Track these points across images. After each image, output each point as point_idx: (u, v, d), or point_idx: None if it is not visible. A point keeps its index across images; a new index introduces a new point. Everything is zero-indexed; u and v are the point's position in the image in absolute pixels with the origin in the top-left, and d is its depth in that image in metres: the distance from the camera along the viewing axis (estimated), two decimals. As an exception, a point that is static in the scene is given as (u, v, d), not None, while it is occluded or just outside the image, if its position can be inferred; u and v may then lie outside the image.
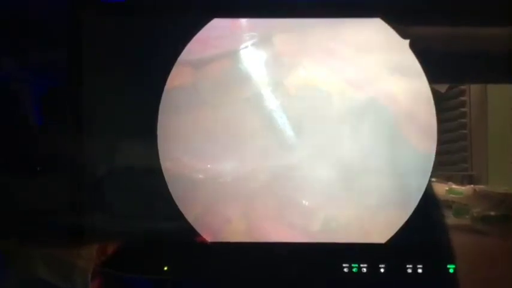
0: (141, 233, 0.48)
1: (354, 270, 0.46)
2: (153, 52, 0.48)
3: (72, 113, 0.48)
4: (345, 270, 0.46)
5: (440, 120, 0.46)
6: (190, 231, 0.46)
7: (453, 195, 0.48)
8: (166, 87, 0.47)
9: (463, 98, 0.50)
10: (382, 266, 0.46)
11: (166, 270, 0.47)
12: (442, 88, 0.48)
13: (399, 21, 0.46)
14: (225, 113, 0.47)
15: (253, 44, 0.48)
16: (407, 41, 0.46)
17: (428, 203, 0.46)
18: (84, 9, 0.48)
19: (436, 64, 0.46)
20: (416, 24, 0.47)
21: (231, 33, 0.48)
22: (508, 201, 0.47)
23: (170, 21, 0.48)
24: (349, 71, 0.47)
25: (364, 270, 0.46)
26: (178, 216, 0.46)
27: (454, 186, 0.48)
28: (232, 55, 0.48)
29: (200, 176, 0.47)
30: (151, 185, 0.48)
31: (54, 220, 0.48)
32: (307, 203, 0.46)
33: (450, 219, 0.47)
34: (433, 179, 0.46)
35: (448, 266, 0.46)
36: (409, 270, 0.45)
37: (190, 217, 0.47)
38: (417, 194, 0.46)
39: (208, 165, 0.47)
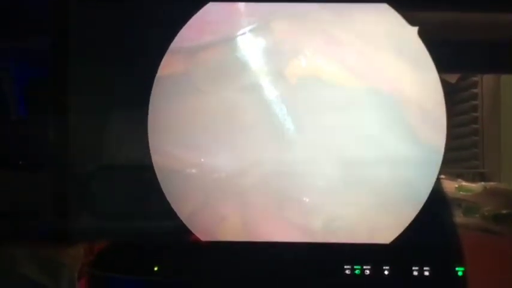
0: (130, 232, 0.47)
1: (357, 272, 0.45)
2: (144, 38, 0.47)
3: (56, 104, 0.47)
4: (347, 272, 0.45)
5: (450, 114, 0.45)
6: (182, 230, 0.45)
7: (463, 193, 0.48)
8: (157, 76, 0.46)
9: (474, 90, 0.50)
10: (387, 268, 0.45)
11: (156, 270, 0.46)
12: (453, 78, 0.49)
13: (407, 7, 0.45)
14: (220, 104, 0.46)
15: (251, 30, 0.46)
16: (415, 28, 0.45)
17: (437, 201, 0.45)
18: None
19: (446, 53, 0.45)
20: (425, 10, 0.46)
21: (228, 18, 0.47)
22: (521, 199, 0.47)
23: (162, 5, 0.47)
24: (353, 60, 0.46)
25: (367, 272, 0.45)
26: (170, 213, 0.45)
27: (463, 183, 0.48)
28: (229, 42, 0.46)
29: (193, 170, 0.46)
30: (141, 181, 0.47)
31: (40, 217, 0.47)
32: (307, 200, 0.45)
33: (459, 218, 0.47)
34: (442, 176, 0.45)
35: (457, 269, 0.45)
36: (415, 273, 0.44)
37: (182, 214, 0.45)
38: (425, 192, 0.44)
39: (202, 159, 0.46)
